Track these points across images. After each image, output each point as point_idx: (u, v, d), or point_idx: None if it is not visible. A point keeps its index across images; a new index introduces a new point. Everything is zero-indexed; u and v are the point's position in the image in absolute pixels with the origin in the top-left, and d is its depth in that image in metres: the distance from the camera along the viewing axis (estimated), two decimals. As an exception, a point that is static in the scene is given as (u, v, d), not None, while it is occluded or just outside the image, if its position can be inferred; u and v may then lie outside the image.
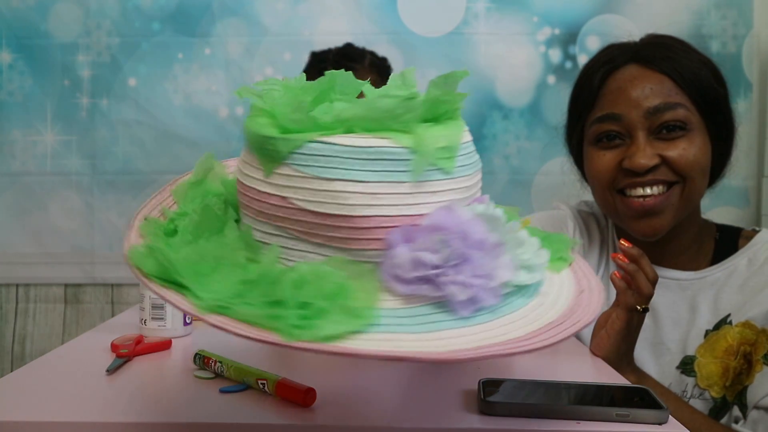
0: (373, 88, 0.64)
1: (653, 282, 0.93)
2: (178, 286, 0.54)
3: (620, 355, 0.92)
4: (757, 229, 1.14)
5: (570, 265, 0.68)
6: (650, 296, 0.92)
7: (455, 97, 0.58)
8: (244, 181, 0.59)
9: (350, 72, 0.61)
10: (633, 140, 1.05)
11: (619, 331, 0.91)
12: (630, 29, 1.68)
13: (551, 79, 1.85)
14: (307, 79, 1.72)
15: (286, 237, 0.56)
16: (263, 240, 0.58)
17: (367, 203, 0.54)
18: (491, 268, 0.54)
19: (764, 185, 1.81)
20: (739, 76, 1.80)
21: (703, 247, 1.13)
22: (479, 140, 1.83)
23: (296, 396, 0.65)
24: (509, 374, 0.78)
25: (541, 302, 0.58)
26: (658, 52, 1.07)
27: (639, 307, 0.92)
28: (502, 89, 1.85)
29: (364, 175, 0.54)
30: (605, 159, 1.08)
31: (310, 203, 0.54)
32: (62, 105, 1.88)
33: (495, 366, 0.81)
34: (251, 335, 0.50)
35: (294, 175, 0.55)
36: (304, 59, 1.68)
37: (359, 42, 1.67)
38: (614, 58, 1.10)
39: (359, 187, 0.53)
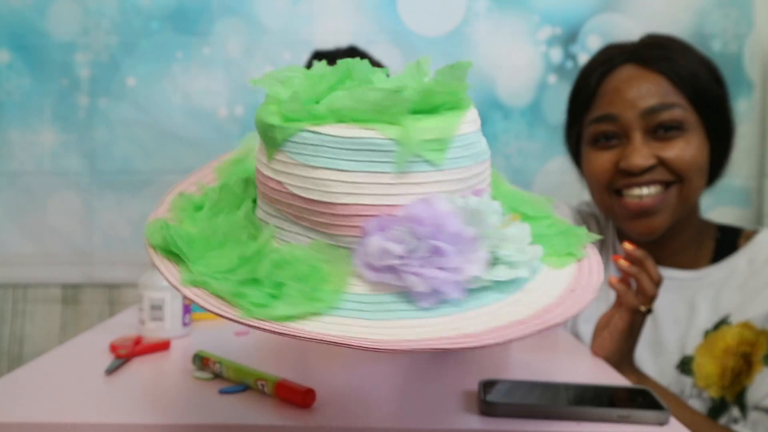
0: (384, 76, 0.62)
1: (657, 283, 0.93)
2: (179, 259, 0.58)
3: (622, 355, 0.92)
4: (758, 229, 1.14)
5: (579, 260, 0.65)
6: (654, 297, 0.92)
7: (452, 88, 0.58)
8: (256, 164, 0.63)
9: (366, 59, 0.61)
10: (629, 141, 1.05)
11: (622, 332, 0.91)
12: (631, 28, 1.68)
13: (552, 79, 1.84)
14: None
15: (281, 218, 0.59)
16: (265, 219, 0.61)
17: (347, 191, 0.55)
18: (460, 262, 0.54)
19: (766, 185, 1.81)
20: (741, 75, 1.80)
21: (703, 246, 1.13)
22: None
23: (295, 397, 0.65)
24: (510, 375, 0.78)
25: (519, 299, 0.57)
26: (655, 52, 1.06)
27: (642, 308, 0.92)
28: (502, 89, 1.85)
29: (347, 164, 0.55)
30: (602, 159, 1.07)
31: (299, 189, 0.57)
32: (61, 104, 1.87)
33: (495, 366, 0.81)
34: (214, 309, 0.53)
35: (288, 162, 0.57)
36: (304, 59, 1.67)
37: (359, 42, 1.66)
38: (611, 58, 1.10)
39: (341, 176, 0.55)
